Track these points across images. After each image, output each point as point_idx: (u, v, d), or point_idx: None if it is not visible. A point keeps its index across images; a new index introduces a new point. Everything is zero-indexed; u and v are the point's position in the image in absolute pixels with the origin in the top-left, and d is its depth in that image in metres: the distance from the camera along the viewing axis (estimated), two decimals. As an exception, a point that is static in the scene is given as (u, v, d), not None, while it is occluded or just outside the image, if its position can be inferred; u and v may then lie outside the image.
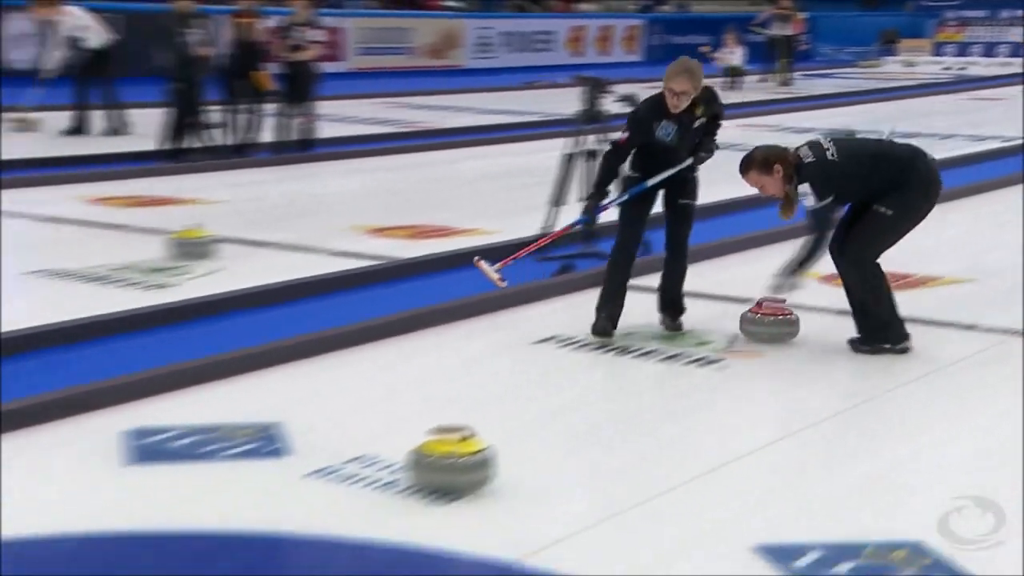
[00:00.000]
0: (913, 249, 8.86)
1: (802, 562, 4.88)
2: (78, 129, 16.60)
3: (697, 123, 7.95)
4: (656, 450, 6.27)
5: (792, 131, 20.11)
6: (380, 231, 11.35)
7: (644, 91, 9.02)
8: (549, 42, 33.54)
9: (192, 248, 9.93)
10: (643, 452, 6.24)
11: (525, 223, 10.36)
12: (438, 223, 11.72)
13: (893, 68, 39.67)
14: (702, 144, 8.04)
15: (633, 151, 8.05)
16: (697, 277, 8.57)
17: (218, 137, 15.92)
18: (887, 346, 7.62)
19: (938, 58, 42.14)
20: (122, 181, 13.74)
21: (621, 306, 8.07)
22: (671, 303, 8.23)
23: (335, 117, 18.53)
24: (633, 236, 8.16)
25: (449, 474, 5.42)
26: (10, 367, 7.01)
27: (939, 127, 21.69)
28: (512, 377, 7.40)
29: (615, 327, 7.98)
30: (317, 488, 5.60)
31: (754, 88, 28.42)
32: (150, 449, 6.02)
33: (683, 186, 8.08)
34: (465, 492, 5.40)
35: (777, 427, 6.74)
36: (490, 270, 7.92)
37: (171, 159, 15.26)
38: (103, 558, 4.96)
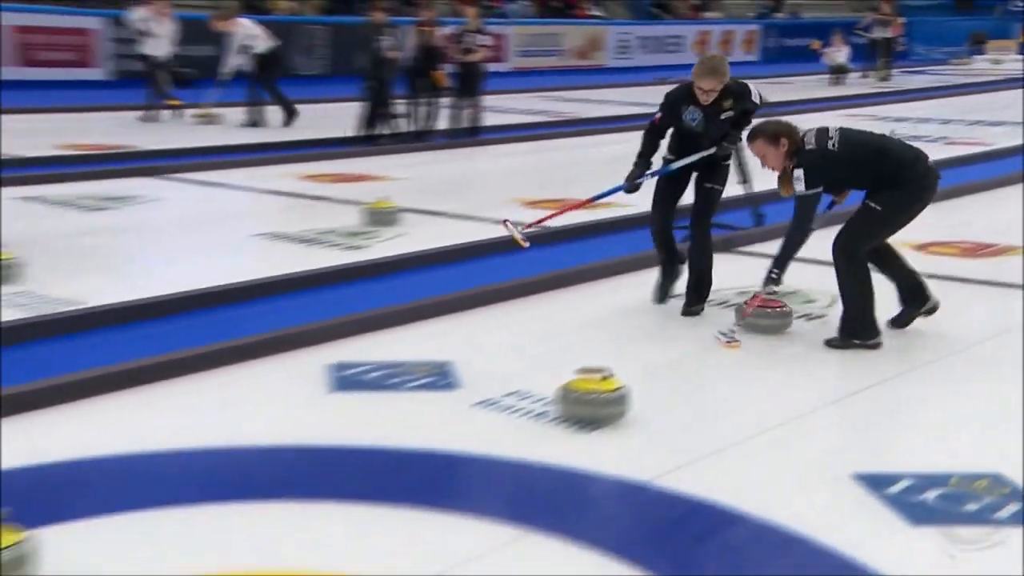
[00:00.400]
0: (1000, 222, 8.69)
1: (895, 489, 4.86)
2: (255, 123, 16.68)
3: (724, 115, 7.24)
4: (769, 390, 6.23)
5: (890, 120, 19.70)
6: (534, 203, 11.32)
7: (761, 85, 8.89)
8: (679, 44, 33.14)
9: (381, 216, 10.07)
10: (758, 391, 6.22)
11: (646, 198, 10.18)
12: (583, 197, 11.69)
13: (981, 65, 38.20)
14: (728, 135, 7.33)
15: (670, 135, 7.46)
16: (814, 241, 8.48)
17: (403, 125, 16.06)
18: (856, 342, 6.70)
19: (1022, 56, 40.63)
20: (327, 161, 13.92)
21: (672, 278, 7.56)
22: (691, 286, 7.49)
23: (498, 109, 18.58)
24: (662, 218, 7.52)
25: (592, 407, 5.49)
26: (241, 311, 7.27)
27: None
28: (648, 326, 7.39)
29: (666, 297, 7.56)
30: (481, 416, 5.70)
31: (857, 83, 27.83)
32: (348, 380, 6.17)
33: (713, 171, 7.44)
34: (605, 423, 5.46)
35: (873, 374, 6.56)
36: (515, 231, 7.58)
37: (365, 143, 15.44)
38: (309, 466, 5.11)
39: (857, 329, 6.68)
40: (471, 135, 16.52)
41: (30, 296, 7.42)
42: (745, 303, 7.07)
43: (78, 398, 5.77)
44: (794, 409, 5.90)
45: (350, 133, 15.73)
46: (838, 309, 7.67)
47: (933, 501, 4.77)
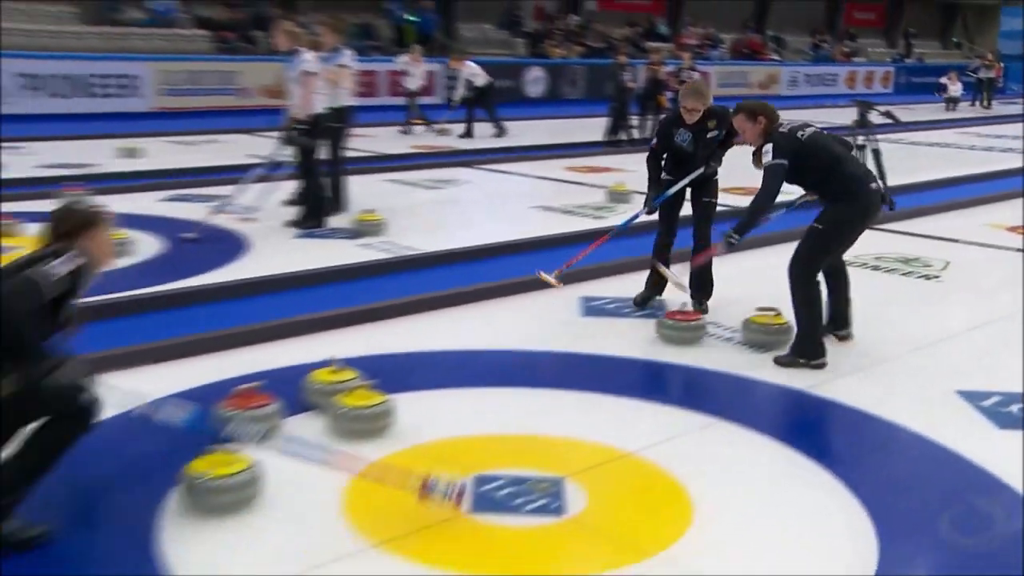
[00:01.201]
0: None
1: (987, 402, 4.64)
2: (468, 134, 15.93)
3: (710, 134, 5.96)
4: (896, 329, 5.89)
5: (990, 136, 18.49)
6: (728, 190, 10.91)
7: (897, 109, 8.59)
8: (834, 80, 31.72)
9: (619, 196, 9.95)
10: (889, 329, 5.87)
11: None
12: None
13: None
14: (714, 156, 6.03)
15: (665, 159, 6.10)
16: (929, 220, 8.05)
17: (635, 134, 15.85)
18: (802, 360, 5.05)
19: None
20: (582, 158, 13.83)
21: (654, 293, 6.16)
22: (700, 286, 6.08)
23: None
24: (666, 232, 6.12)
25: (766, 335, 5.38)
26: (524, 258, 7.15)
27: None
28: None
29: (649, 300, 6.13)
30: (687, 337, 5.60)
31: (966, 110, 26.02)
32: (594, 308, 6.17)
33: (706, 187, 6.11)
34: (775, 347, 5.31)
35: (971, 319, 6.20)
36: (549, 278, 6.17)
37: (609, 146, 15.32)
38: (566, 366, 5.09)
39: (804, 349, 5.08)
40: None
41: (390, 244, 7.64)
42: (665, 315, 5.59)
43: (413, 313, 5.94)
44: (918, 341, 5.62)
45: (600, 139, 15.63)
46: (951, 272, 7.27)
47: (1016, 412, 4.54)
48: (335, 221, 8.43)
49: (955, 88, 26.29)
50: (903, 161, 12.20)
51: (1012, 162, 14.27)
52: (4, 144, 11.69)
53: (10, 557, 3.17)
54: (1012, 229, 8.83)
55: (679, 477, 3.83)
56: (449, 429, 4.23)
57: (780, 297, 6.16)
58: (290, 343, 5.31)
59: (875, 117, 9.83)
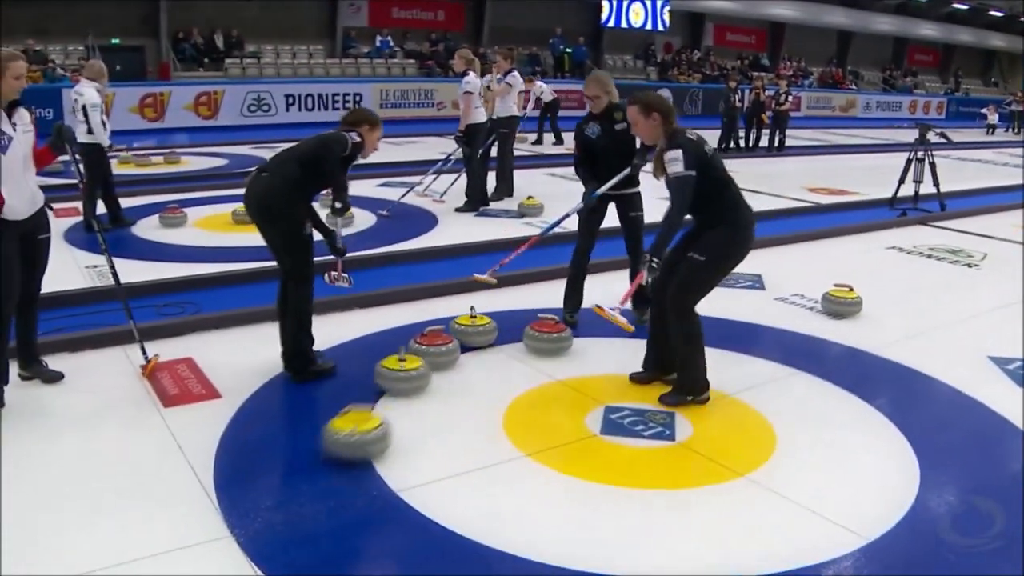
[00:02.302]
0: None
1: (1011, 366, 4.37)
2: (539, 141, 14.93)
3: (618, 126, 4.49)
4: (942, 304, 5.54)
5: (1019, 156, 16.92)
6: (813, 189, 10.52)
7: (948, 131, 8.25)
8: (900, 106, 29.83)
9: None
10: (937, 304, 5.54)
11: (879, 191, 9.45)
12: (841, 187, 10.72)
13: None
14: (638, 152, 4.48)
15: (589, 164, 4.67)
16: (968, 222, 7.40)
17: (742, 144, 15.30)
18: (689, 399, 3.73)
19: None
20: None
21: (580, 299, 4.86)
22: (640, 299, 4.70)
23: (795, 136, 17.32)
24: (585, 245, 4.82)
25: (841, 306, 5.12)
26: (647, 239, 6.98)
27: None
28: (865, 264, 6.65)
29: (574, 317, 4.80)
30: (777, 305, 5.37)
31: (1001, 135, 23.97)
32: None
33: (631, 201, 4.71)
34: (847, 316, 5.06)
35: (1001, 299, 5.71)
36: (483, 277, 5.03)
37: (720, 152, 14.28)
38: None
39: (690, 386, 3.76)
40: (780, 150, 15.40)
41: (546, 223, 7.19)
42: (530, 326, 4.38)
43: (561, 278, 5.78)
44: (953, 316, 5.29)
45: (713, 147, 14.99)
46: (989, 262, 6.78)
47: (1035, 374, 4.25)
48: (504, 204, 8.44)
49: (993, 117, 24.81)
50: (952, 173, 11.58)
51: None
52: (277, 143, 12.29)
53: (318, 382, 3.89)
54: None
55: (766, 415, 3.72)
56: (587, 369, 4.19)
57: (854, 276, 5.87)
58: (465, 297, 5.29)
59: (932, 137, 9.32)
